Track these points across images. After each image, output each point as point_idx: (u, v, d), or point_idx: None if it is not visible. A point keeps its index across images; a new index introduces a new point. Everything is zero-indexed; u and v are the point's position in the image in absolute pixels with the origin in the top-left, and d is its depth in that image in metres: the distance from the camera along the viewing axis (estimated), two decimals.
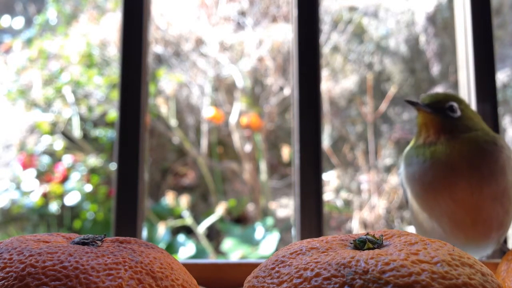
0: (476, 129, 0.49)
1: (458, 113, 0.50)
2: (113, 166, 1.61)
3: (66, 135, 2.17)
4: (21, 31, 2.40)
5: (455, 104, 0.50)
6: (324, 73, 2.27)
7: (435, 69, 2.22)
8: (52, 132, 2.16)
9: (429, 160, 0.49)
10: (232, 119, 2.12)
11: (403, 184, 0.53)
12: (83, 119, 2.19)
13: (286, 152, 2.12)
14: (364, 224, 1.97)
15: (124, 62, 0.68)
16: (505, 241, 0.57)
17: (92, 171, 2.06)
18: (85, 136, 2.19)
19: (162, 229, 1.93)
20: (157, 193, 2.21)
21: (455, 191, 0.47)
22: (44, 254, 0.28)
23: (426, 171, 0.49)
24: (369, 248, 0.29)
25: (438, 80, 2.20)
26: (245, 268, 0.52)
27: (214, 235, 2.08)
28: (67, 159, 2.08)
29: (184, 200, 2.01)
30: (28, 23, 2.43)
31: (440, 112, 0.49)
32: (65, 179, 2.03)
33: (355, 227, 1.96)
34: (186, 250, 1.86)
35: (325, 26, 2.23)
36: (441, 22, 2.23)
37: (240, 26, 2.31)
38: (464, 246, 0.49)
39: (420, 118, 0.51)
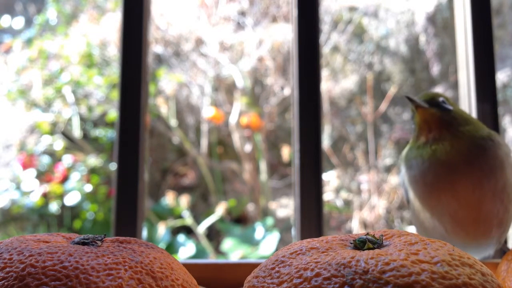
0: (471, 122, 0.50)
1: (450, 107, 0.51)
2: (113, 166, 1.61)
3: (66, 135, 2.17)
4: (21, 31, 2.40)
5: (445, 100, 0.51)
6: (324, 73, 2.27)
7: (435, 69, 2.22)
8: (52, 132, 2.16)
9: (430, 160, 0.49)
10: (232, 119, 2.12)
11: (404, 185, 0.53)
12: (83, 119, 2.19)
13: (286, 152, 2.12)
14: (364, 224, 1.97)
15: (124, 62, 0.68)
16: (505, 241, 0.57)
17: (92, 171, 2.06)
18: (85, 136, 2.19)
19: (162, 229, 1.93)
20: (157, 193, 2.21)
21: (457, 190, 0.48)
22: (44, 254, 0.28)
23: (427, 172, 0.49)
24: (369, 248, 0.29)
25: (438, 80, 2.20)
26: (245, 268, 0.52)
27: (214, 235, 2.08)
28: (67, 159, 2.08)
29: (184, 200, 2.01)
30: (28, 23, 2.43)
31: (436, 106, 0.51)
32: (65, 179, 2.03)
33: (355, 227, 1.96)
34: (186, 250, 1.86)
35: (325, 26, 2.23)
36: (441, 22, 2.23)
37: (240, 26, 2.31)
38: (465, 245, 0.49)
39: (419, 116, 0.51)
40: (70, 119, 2.17)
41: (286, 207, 2.18)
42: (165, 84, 2.29)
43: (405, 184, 0.53)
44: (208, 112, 2.12)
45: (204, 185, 2.19)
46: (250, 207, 2.11)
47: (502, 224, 0.49)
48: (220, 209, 1.99)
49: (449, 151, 0.48)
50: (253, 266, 0.33)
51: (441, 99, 0.51)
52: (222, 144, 2.27)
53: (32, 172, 2.05)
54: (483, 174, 0.47)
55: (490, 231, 0.49)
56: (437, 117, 0.50)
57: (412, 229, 1.93)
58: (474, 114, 0.67)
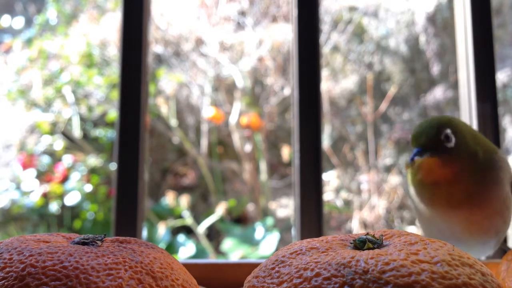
0: (473, 155, 0.47)
1: (453, 140, 0.46)
2: (113, 166, 1.61)
3: (66, 135, 2.17)
4: (21, 31, 2.39)
5: (449, 131, 0.46)
6: (324, 73, 2.27)
7: (435, 69, 2.22)
8: (52, 132, 2.16)
9: (428, 201, 0.48)
10: (232, 119, 2.12)
11: (405, 189, 0.54)
12: (83, 119, 2.19)
13: (286, 152, 2.12)
14: (364, 224, 1.97)
15: (124, 62, 0.68)
16: (505, 241, 0.57)
17: (92, 171, 2.06)
18: (85, 136, 2.19)
19: (162, 229, 1.93)
20: (157, 193, 2.21)
21: (455, 218, 0.48)
22: (44, 254, 0.28)
23: (425, 206, 0.49)
24: (369, 248, 0.29)
25: (438, 80, 2.20)
26: (245, 268, 0.52)
27: (214, 235, 2.08)
28: (67, 159, 2.08)
29: (184, 200, 2.01)
30: (28, 23, 2.42)
31: (437, 151, 0.46)
32: (65, 179, 2.03)
33: (355, 227, 1.96)
34: (186, 250, 1.86)
35: (325, 26, 2.23)
36: (441, 22, 2.23)
37: (240, 26, 2.31)
38: (463, 249, 0.50)
39: (420, 160, 0.47)
40: (70, 119, 2.17)
41: (286, 207, 2.18)
42: (165, 84, 2.29)
43: (407, 190, 0.53)
44: (208, 112, 2.12)
45: (204, 185, 2.19)
46: (250, 207, 2.11)
47: (499, 233, 0.49)
48: (220, 209, 1.99)
49: (448, 197, 0.47)
50: (253, 266, 0.33)
51: (444, 134, 0.46)
52: (222, 144, 2.27)
53: (32, 172, 2.05)
54: (484, 206, 0.47)
55: (488, 239, 0.49)
56: (437, 164, 0.46)
57: (412, 229, 1.93)
58: (474, 114, 0.67)
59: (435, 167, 0.47)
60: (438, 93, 2.15)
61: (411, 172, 0.50)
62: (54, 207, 2.00)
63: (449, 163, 0.46)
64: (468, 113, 0.68)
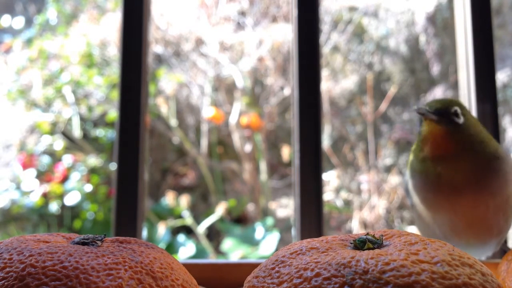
0: (480, 138, 0.48)
1: (462, 119, 0.48)
2: (113, 166, 1.61)
3: (66, 135, 2.17)
4: (21, 31, 2.40)
5: (458, 109, 0.48)
6: (324, 73, 2.27)
7: (435, 69, 2.22)
8: (52, 132, 2.16)
9: (434, 183, 0.48)
10: (232, 119, 2.12)
11: (407, 189, 0.53)
12: (83, 119, 2.19)
13: (286, 152, 2.12)
14: (364, 224, 1.97)
15: (124, 62, 0.68)
16: (505, 241, 0.57)
17: (92, 171, 2.06)
18: (85, 136, 2.19)
19: (162, 229, 1.93)
20: (157, 193, 2.21)
21: (459, 208, 0.47)
22: (44, 254, 0.28)
23: (430, 192, 0.48)
24: (369, 248, 0.29)
25: (438, 80, 2.20)
26: (245, 268, 0.52)
27: (214, 235, 2.08)
28: (67, 159, 2.08)
29: (184, 200, 2.01)
30: (28, 23, 2.43)
31: (446, 119, 0.47)
32: (65, 179, 2.03)
33: (355, 227, 1.96)
34: (186, 250, 1.86)
35: (325, 26, 2.23)
36: (441, 22, 2.23)
37: (240, 26, 2.30)
38: (463, 249, 0.49)
39: (427, 127, 0.47)
40: (70, 119, 2.17)
41: (286, 207, 2.18)
42: (165, 84, 2.29)
43: (409, 188, 0.52)
44: (208, 112, 2.12)
45: (204, 185, 2.19)
46: (250, 207, 2.11)
47: (501, 233, 0.49)
48: (220, 209, 1.99)
49: (454, 175, 0.46)
50: (253, 266, 0.33)
51: (454, 109, 0.47)
52: (222, 144, 2.27)
53: (32, 172, 2.05)
54: (488, 194, 0.47)
55: (490, 239, 0.49)
56: (444, 132, 0.47)
57: (412, 229, 1.93)
58: (474, 114, 0.67)
59: (444, 136, 0.47)
60: (438, 93, 2.15)
61: (415, 150, 0.50)
62: (54, 207, 2.00)
63: (457, 135, 0.47)
64: None
